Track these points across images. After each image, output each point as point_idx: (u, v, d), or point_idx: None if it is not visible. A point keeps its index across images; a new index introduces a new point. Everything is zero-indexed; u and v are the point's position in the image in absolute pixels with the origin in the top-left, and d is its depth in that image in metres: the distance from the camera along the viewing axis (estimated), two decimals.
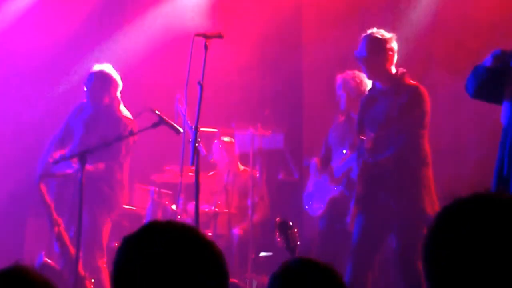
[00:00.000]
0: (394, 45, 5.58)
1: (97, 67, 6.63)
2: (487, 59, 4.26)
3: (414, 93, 5.49)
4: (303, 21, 8.69)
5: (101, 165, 6.31)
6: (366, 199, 5.53)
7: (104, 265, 6.32)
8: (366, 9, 8.03)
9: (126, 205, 7.33)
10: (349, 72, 6.43)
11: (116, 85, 6.59)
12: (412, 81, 5.60)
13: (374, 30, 5.61)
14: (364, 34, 5.62)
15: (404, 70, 5.60)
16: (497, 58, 4.20)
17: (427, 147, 5.49)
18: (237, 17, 8.46)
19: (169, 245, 1.79)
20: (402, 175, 5.40)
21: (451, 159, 7.12)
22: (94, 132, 6.46)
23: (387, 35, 5.59)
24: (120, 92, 6.66)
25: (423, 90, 5.53)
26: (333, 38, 7.99)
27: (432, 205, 5.38)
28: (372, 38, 5.57)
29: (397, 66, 5.61)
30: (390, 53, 5.55)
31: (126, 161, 6.55)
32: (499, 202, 1.57)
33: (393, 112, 5.45)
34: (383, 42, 5.55)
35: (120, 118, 6.50)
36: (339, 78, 6.45)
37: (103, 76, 6.55)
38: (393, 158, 5.40)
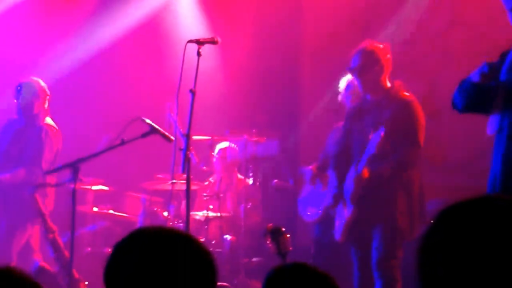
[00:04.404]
0: (388, 56, 5.48)
1: (25, 80, 6.72)
2: (474, 74, 4.11)
3: (403, 107, 5.38)
4: (302, 26, 8.60)
5: (21, 171, 6.44)
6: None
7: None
8: (370, 16, 7.97)
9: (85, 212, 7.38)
10: None
11: (45, 96, 6.69)
12: (406, 94, 5.48)
13: (368, 43, 5.53)
14: (359, 47, 5.52)
15: (400, 83, 5.50)
16: (484, 75, 4.05)
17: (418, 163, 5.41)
18: (232, 21, 8.41)
19: (158, 249, 1.81)
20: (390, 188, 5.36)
21: (462, 169, 7.10)
22: (18, 142, 6.61)
23: (380, 46, 5.51)
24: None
25: (415, 104, 5.42)
26: (333, 43, 7.91)
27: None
28: (366, 50, 5.47)
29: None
30: (384, 64, 5.46)
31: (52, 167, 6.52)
32: (495, 203, 1.52)
33: (380, 126, 5.25)
34: (376, 53, 5.45)
35: (41, 126, 6.60)
36: (349, 80, 6.19)
37: (33, 88, 6.65)
38: (386, 171, 5.31)
